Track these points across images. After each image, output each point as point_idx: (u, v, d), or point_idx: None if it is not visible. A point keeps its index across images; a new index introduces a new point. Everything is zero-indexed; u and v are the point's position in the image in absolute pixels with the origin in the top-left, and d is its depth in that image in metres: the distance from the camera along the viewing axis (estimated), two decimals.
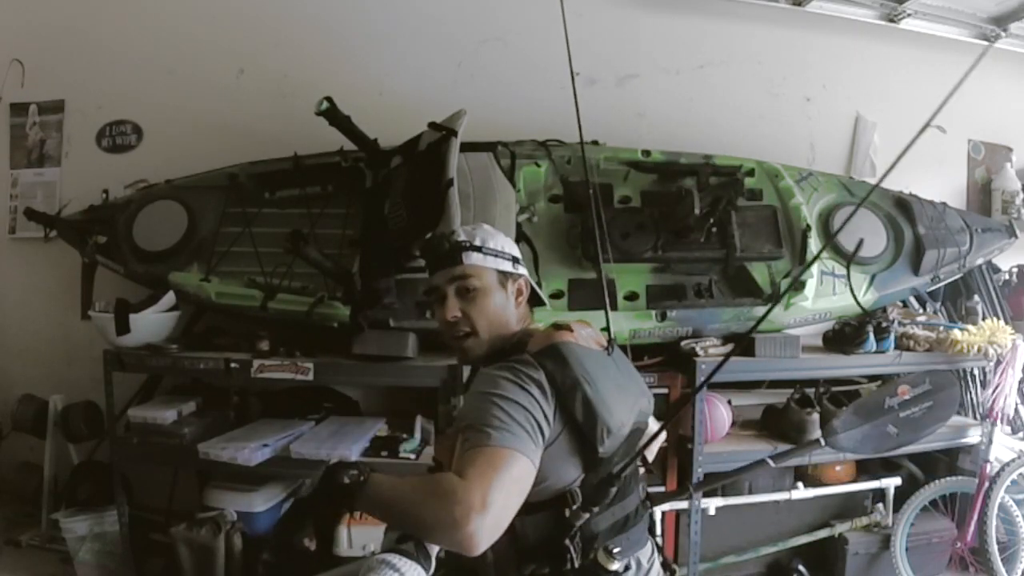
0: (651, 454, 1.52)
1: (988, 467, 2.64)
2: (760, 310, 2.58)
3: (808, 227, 2.74)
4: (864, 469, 2.90)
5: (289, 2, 3.17)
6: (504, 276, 1.31)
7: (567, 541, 1.13)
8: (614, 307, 2.51)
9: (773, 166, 2.91)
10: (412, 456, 2.39)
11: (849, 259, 2.13)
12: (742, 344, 1.28)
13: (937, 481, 2.75)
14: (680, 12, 3.27)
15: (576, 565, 1.13)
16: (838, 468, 2.81)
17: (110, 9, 3.14)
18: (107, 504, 2.60)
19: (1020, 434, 2.90)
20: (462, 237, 1.30)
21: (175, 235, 2.70)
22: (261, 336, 2.50)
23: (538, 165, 2.75)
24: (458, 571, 1.22)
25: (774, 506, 2.71)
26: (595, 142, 2.86)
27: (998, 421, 2.69)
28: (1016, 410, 2.84)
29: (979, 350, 2.68)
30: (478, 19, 3.17)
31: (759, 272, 2.68)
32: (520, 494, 1.02)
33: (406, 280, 2.49)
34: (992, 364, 2.77)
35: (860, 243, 2.40)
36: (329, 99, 2.43)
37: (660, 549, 1.36)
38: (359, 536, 2.35)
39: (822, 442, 2.03)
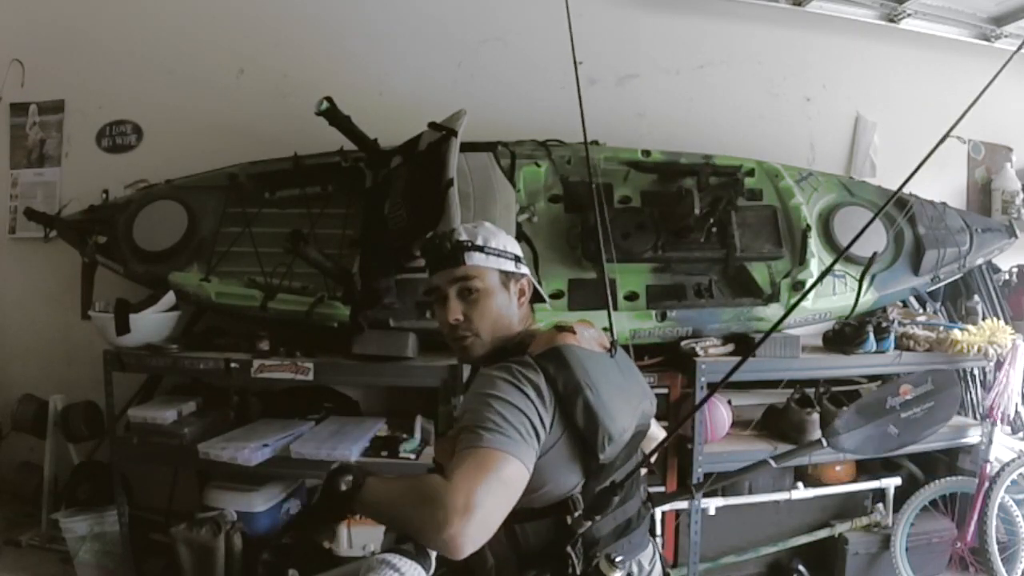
0: (651, 453, 1.51)
1: (988, 467, 2.64)
2: (761, 310, 2.58)
3: (808, 227, 2.74)
4: (864, 469, 2.90)
5: (289, 2, 3.17)
6: (506, 276, 1.29)
7: (569, 548, 1.12)
8: (615, 307, 2.51)
9: (773, 166, 2.91)
10: (412, 456, 2.39)
11: (863, 272, 2.16)
12: (753, 349, 1.28)
13: (937, 481, 2.75)
14: (680, 12, 3.27)
15: (578, 572, 1.12)
16: (838, 468, 2.81)
17: (110, 9, 3.14)
18: (107, 504, 2.60)
19: (1020, 434, 2.90)
20: (464, 237, 1.27)
21: (175, 235, 2.70)
22: (261, 336, 2.50)
23: (538, 165, 2.76)
24: (459, 574, 1.22)
25: (774, 506, 2.72)
26: (595, 142, 2.86)
27: (998, 421, 2.69)
28: (1016, 410, 2.84)
29: (979, 350, 2.68)
30: (478, 19, 3.17)
31: (759, 272, 2.68)
32: (510, 497, 1.01)
33: (406, 280, 2.49)
34: (992, 364, 2.77)
35: (874, 256, 2.40)
36: (329, 99, 2.43)
37: (660, 553, 1.36)
38: (359, 536, 2.35)
39: (824, 443, 2.02)
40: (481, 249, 1.27)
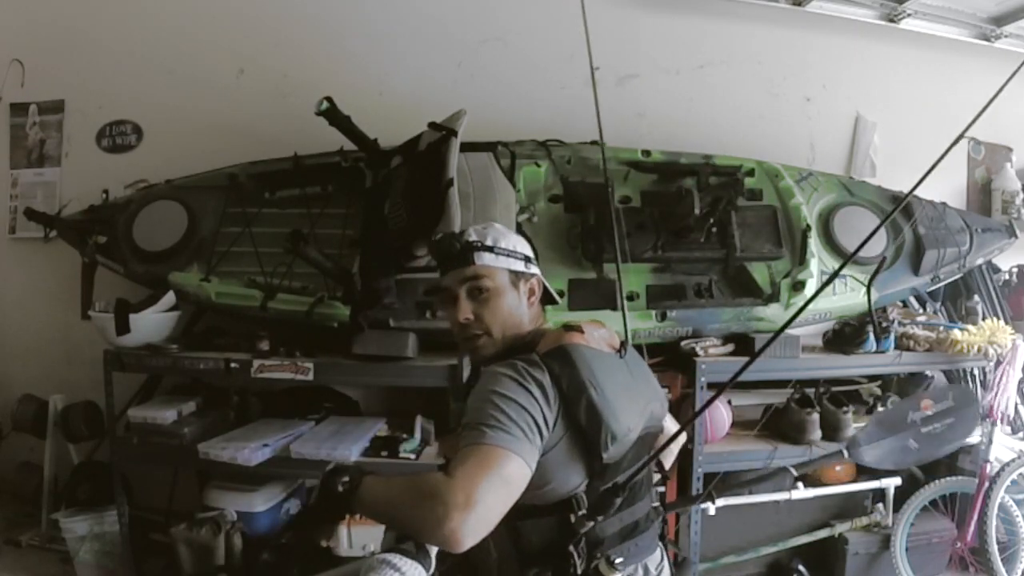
0: (668, 460, 1.49)
1: (988, 467, 2.64)
2: (761, 310, 2.59)
3: (808, 227, 2.74)
4: (864, 469, 2.89)
5: (289, 2, 3.17)
6: (516, 276, 1.29)
7: (571, 547, 1.12)
8: (614, 307, 2.51)
9: (773, 166, 2.91)
10: (412, 456, 2.39)
11: (870, 279, 2.17)
12: (759, 352, 1.27)
13: (937, 481, 2.75)
14: (680, 12, 3.27)
15: (579, 572, 1.12)
16: (838, 468, 2.80)
17: (110, 9, 3.14)
18: (107, 504, 2.60)
19: (1020, 434, 2.90)
20: (473, 237, 1.28)
21: (175, 235, 2.70)
22: (261, 336, 2.50)
23: (538, 165, 2.76)
24: (462, 571, 1.22)
25: (774, 506, 2.71)
26: (595, 142, 2.85)
27: (998, 421, 2.69)
28: (1016, 410, 2.84)
29: (979, 350, 2.68)
30: (478, 19, 3.17)
31: (759, 272, 2.68)
32: (511, 493, 1.01)
33: (406, 280, 2.49)
34: (992, 364, 2.77)
35: (882, 263, 2.41)
36: (329, 99, 2.43)
37: (670, 556, 1.35)
38: (359, 536, 2.35)
39: (845, 454, 2.02)
40: (491, 249, 1.27)
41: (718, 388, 2.59)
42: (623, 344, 1.31)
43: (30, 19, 3.15)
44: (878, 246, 2.83)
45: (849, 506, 2.87)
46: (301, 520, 2.56)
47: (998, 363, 2.73)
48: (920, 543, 2.75)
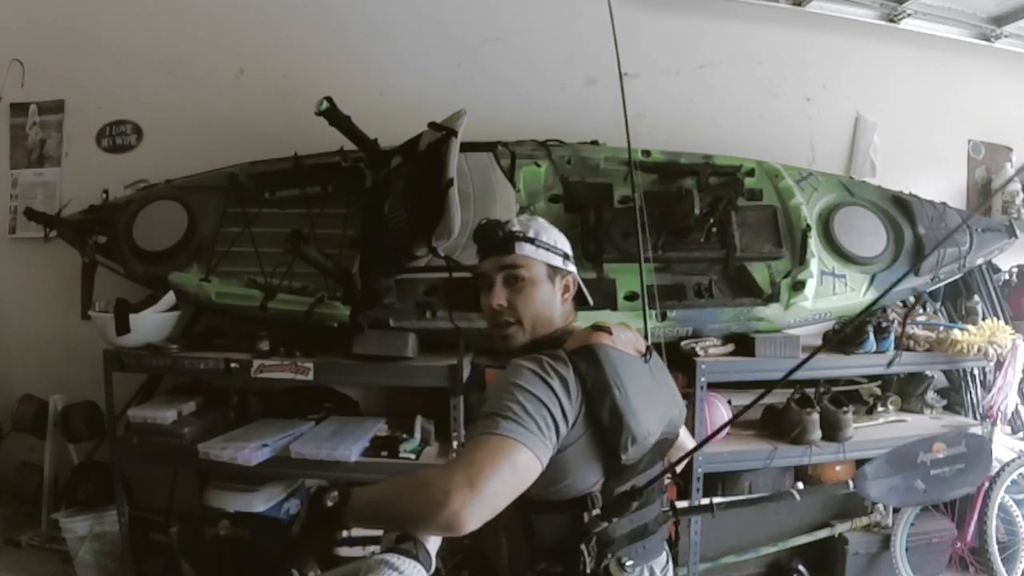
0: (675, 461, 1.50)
1: None
2: (761, 310, 2.58)
3: (808, 227, 2.74)
4: None
5: (289, 2, 3.17)
6: (553, 271, 1.31)
7: (582, 545, 1.12)
8: (614, 307, 2.51)
9: (773, 166, 2.91)
10: (412, 456, 2.39)
11: (904, 315, 2.18)
12: (814, 354, 1.27)
13: None
14: (680, 12, 3.27)
15: (588, 570, 1.12)
16: (838, 468, 2.80)
17: (110, 9, 3.14)
18: (107, 504, 2.61)
19: (1020, 434, 2.90)
20: (517, 227, 1.30)
21: (175, 235, 2.70)
22: (261, 336, 2.50)
23: (538, 165, 2.76)
24: (476, 565, 1.23)
25: (774, 506, 2.71)
26: (595, 142, 2.86)
27: (998, 421, 2.69)
28: (1016, 410, 2.84)
29: (979, 350, 2.68)
30: (478, 19, 3.17)
31: (759, 272, 2.68)
32: (517, 484, 1.02)
33: (406, 280, 2.49)
34: (992, 364, 2.77)
35: (918, 300, 2.42)
36: (329, 99, 2.43)
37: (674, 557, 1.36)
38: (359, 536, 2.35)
39: (851, 485, 2.03)
40: (532, 241, 1.29)
41: (718, 387, 2.59)
42: (648, 349, 1.32)
43: (30, 19, 3.16)
44: (879, 245, 2.84)
45: (849, 506, 2.86)
46: (289, 550, 2.55)
47: (998, 363, 2.73)
48: (920, 543, 2.75)
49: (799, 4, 3.25)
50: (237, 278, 2.62)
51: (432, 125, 2.40)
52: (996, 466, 2.63)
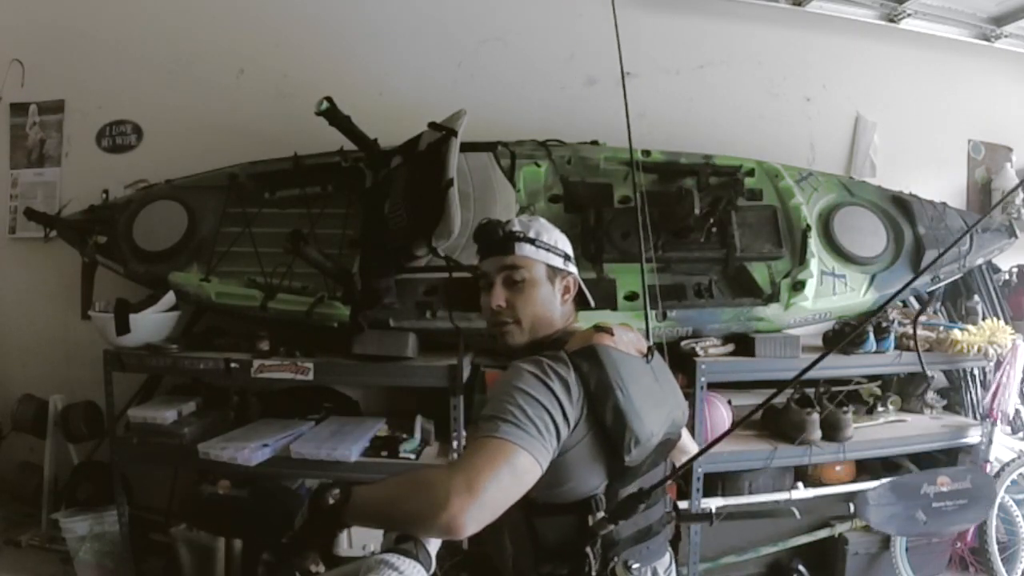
0: (677, 461, 1.49)
1: (988, 467, 2.64)
2: (761, 310, 2.58)
3: (808, 227, 2.74)
4: (864, 469, 2.89)
5: (289, 2, 3.17)
6: (554, 271, 1.31)
7: (587, 548, 1.12)
8: (614, 307, 2.51)
9: (773, 166, 2.91)
10: (412, 456, 2.39)
11: (914, 318, 2.19)
12: (830, 351, 1.26)
13: None
14: (680, 12, 3.27)
15: (594, 572, 1.12)
16: (838, 468, 2.80)
17: (110, 9, 3.14)
18: (107, 504, 2.60)
19: (1020, 434, 2.90)
20: (517, 227, 1.30)
21: (175, 235, 2.70)
22: (261, 336, 2.50)
23: (538, 165, 2.76)
24: (475, 566, 1.23)
25: (774, 506, 2.71)
26: (595, 142, 2.86)
27: (998, 421, 2.69)
28: (1016, 410, 2.84)
29: (979, 350, 2.68)
30: (478, 19, 3.17)
31: (759, 272, 2.68)
32: (517, 487, 1.01)
33: (406, 280, 2.49)
34: (992, 364, 2.77)
35: (923, 306, 2.44)
36: (329, 99, 2.43)
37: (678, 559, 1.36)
38: (359, 536, 2.35)
39: (851, 508, 2.03)
40: (532, 241, 1.29)
41: (718, 387, 2.59)
42: (650, 349, 1.31)
43: (30, 19, 3.16)
44: (879, 245, 2.84)
45: None
46: (287, 546, 2.55)
47: (998, 363, 2.73)
48: (920, 543, 2.74)
49: (799, 4, 3.25)
50: (237, 278, 2.62)
51: (432, 125, 2.40)
52: (996, 466, 2.63)
